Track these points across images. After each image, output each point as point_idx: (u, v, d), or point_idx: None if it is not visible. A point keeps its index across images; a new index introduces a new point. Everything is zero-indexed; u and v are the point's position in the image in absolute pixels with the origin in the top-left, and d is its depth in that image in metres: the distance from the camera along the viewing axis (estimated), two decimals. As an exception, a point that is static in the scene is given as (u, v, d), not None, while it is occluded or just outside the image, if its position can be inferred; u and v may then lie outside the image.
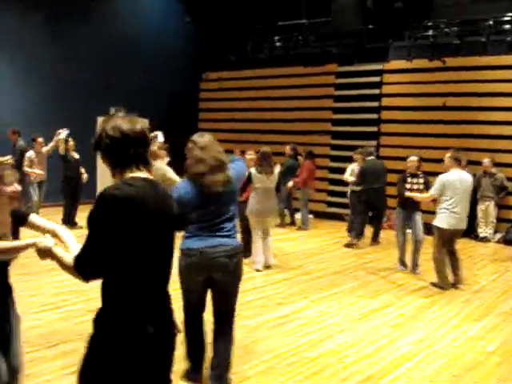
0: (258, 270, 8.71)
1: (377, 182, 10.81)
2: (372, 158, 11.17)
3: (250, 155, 9.59)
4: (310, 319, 6.51)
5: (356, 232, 11.03)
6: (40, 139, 11.46)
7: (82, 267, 2.50)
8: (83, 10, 14.33)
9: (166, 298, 2.73)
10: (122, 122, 2.58)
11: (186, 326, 4.60)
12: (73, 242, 3.01)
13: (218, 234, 4.35)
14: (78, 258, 2.51)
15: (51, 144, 11.34)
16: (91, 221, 2.46)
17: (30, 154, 11.18)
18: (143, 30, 15.54)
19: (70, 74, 14.21)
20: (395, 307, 7.10)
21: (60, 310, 6.43)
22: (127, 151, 2.56)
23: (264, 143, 12.93)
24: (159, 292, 2.67)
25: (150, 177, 2.63)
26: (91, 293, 6.25)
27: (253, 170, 8.80)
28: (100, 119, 15.19)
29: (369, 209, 11.15)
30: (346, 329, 6.21)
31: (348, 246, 10.88)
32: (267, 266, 8.92)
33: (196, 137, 4.44)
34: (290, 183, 12.26)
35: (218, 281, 4.35)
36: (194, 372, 4.67)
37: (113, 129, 2.55)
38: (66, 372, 4.70)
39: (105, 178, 13.49)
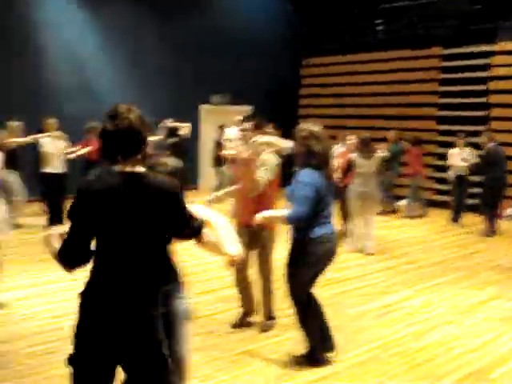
0: (350, 251, 8.87)
1: (499, 169, 10.44)
2: (493, 144, 10.67)
3: (351, 140, 9.61)
4: (415, 309, 6.40)
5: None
6: None
7: (61, 259, 2.74)
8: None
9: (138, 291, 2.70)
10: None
11: (308, 311, 4.72)
12: None
13: (330, 220, 4.67)
14: (59, 251, 2.74)
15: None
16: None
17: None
18: (245, 18, 15.65)
19: (174, 62, 14.57)
20: (504, 300, 6.84)
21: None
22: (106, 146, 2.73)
23: (366, 129, 12.81)
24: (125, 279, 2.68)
25: (138, 170, 2.69)
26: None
27: (354, 155, 8.99)
28: (203, 107, 15.63)
29: (492, 197, 10.65)
30: (452, 321, 6.06)
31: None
32: (367, 253, 8.92)
33: (311, 126, 4.57)
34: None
35: (328, 265, 4.68)
36: (319, 354, 4.80)
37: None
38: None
39: (205, 167, 13.92)
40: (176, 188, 2.76)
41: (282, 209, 4.73)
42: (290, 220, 4.42)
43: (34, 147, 9.97)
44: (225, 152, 10.49)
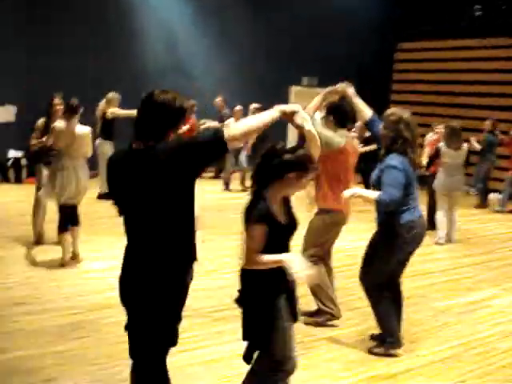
0: (438, 244, 8.70)
1: None
2: None
3: (439, 129, 9.40)
4: (502, 308, 6.17)
5: None
6: (238, 107, 12.03)
7: None
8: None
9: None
10: None
11: (382, 299, 4.67)
12: None
13: (417, 204, 4.59)
14: None
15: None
16: None
17: (230, 121, 11.64)
18: (337, 1, 15.39)
19: (264, 42, 14.56)
20: None
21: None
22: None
23: (459, 118, 12.38)
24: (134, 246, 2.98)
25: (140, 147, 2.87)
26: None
27: (441, 145, 8.81)
28: (293, 88, 15.58)
29: None
30: (542, 323, 5.80)
31: None
32: (448, 240, 8.83)
33: (401, 112, 4.54)
34: None
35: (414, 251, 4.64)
36: (396, 341, 4.74)
37: None
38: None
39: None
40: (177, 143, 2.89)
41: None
42: (381, 202, 4.36)
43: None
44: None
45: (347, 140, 5.13)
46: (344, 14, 15.33)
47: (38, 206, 7.42)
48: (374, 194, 4.42)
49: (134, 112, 9.04)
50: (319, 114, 5.26)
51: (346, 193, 4.43)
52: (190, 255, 3.00)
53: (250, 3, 14.38)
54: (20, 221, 8.22)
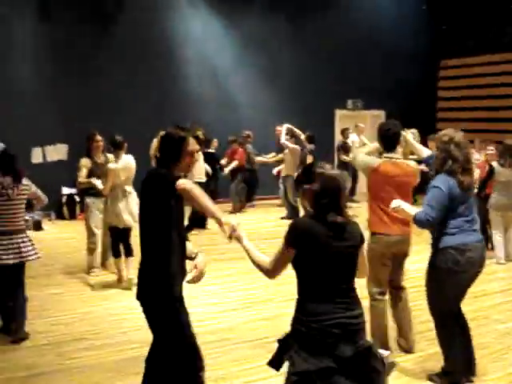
0: (499, 263, 8.51)
1: None
2: None
3: (491, 150, 9.25)
4: None
5: None
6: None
7: None
8: (323, 4, 14.62)
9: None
10: None
11: (449, 327, 4.52)
12: None
13: (474, 228, 4.45)
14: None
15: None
16: None
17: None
18: (377, 20, 15.39)
19: (308, 69, 14.63)
20: None
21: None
22: None
23: (509, 133, 12.11)
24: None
25: None
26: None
27: (495, 164, 8.66)
28: (338, 112, 15.56)
29: None
30: None
31: None
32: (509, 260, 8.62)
33: (453, 132, 4.49)
34: None
35: (476, 276, 4.47)
36: (458, 377, 4.51)
37: None
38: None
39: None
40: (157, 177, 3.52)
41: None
42: (416, 219, 4.27)
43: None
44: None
45: (388, 161, 4.93)
46: (386, 34, 15.34)
47: (92, 236, 7.74)
48: (413, 211, 4.36)
49: None
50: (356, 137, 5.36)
51: (392, 203, 4.40)
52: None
53: (292, 31, 14.52)
54: (76, 257, 8.40)
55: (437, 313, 4.52)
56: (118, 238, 7.28)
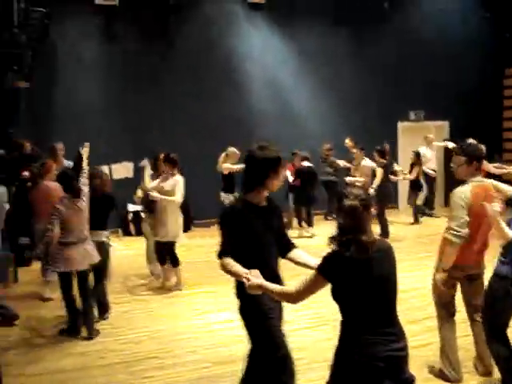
0: None
1: None
2: None
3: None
4: None
5: None
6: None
7: None
8: (384, 16, 14.48)
9: None
10: None
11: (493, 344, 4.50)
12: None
13: None
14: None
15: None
16: None
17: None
18: (440, 30, 15.10)
19: (368, 80, 14.50)
20: None
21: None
22: None
23: None
24: None
25: None
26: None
27: None
28: (400, 124, 15.33)
29: None
30: None
31: None
32: None
33: None
34: None
35: None
36: None
37: None
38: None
39: (404, 186, 13.60)
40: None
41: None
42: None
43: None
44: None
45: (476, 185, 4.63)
46: (449, 43, 15.06)
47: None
48: (509, 233, 4.24)
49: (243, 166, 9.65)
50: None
51: (494, 206, 4.24)
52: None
53: (352, 43, 14.42)
54: (143, 274, 8.54)
55: (492, 333, 4.50)
56: (163, 250, 7.90)
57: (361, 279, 2.99)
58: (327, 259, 3.07)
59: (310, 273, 3.18)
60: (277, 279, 3.68)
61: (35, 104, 11.75)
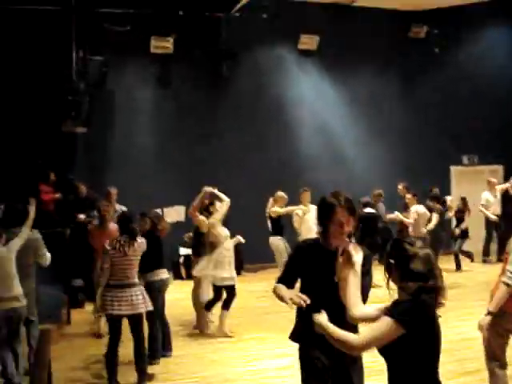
0: None
1: None
2: None
3: None
4: None
5: None
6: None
7: None
8: (434, 60, 14.44)
9: None
10: None
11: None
12: None
13: None
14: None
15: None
16: None
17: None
18: (492, 73, 14.91)
19: (419, 123, 14.43)
20: None
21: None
22: None
23: None
24: None
25: None
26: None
27: None
28: (453, 168, 15.09)
29: None
30: None
31: None
32: None
33: None
34: None
35: None
36: None
37: None
38: None
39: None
40: None
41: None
42: None
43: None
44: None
45: None
46: (501, 86, 14.87)
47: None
48: None
49: (293, 209, 9.86)
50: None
51: None
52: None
53: (402, 87, 14.46)
54: (193, 318, 8.52)
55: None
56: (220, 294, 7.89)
57: (435, 327, 2.92)
58: (405, 307, 2.92)
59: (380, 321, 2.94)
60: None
61: (92, 149, 12.15)
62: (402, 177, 12.85)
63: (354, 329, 3.40)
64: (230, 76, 12.95)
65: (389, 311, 2.92)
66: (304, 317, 3.58)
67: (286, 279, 3.74)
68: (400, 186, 12.50)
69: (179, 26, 12.28)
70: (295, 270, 3.74)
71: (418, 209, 10.99)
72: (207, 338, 7.83)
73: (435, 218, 10.81)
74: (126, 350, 6.35)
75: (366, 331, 2.97)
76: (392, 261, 2.99)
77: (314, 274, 3.63)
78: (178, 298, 10.33)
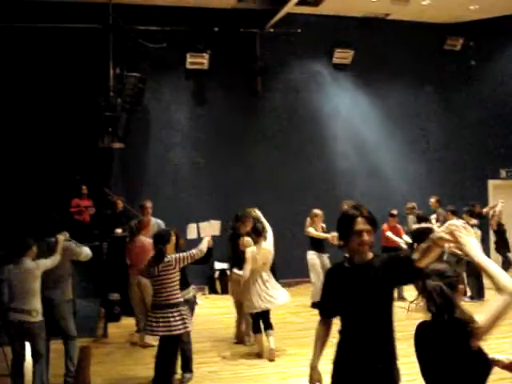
0: None
1: None
2: None
3: None
4: None
5: None
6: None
7: None
8: (473, 73, 14.29)
9: None
10: None
11: None
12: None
13: None
14: None
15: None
16: None
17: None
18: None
19: (456, 137, 14.24)
20: None
21: None
22: None
23: None
24: None
25: None
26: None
27: None
28: (491, 182, 14.85)
29: None
30: None
31: None
32: None
33: None
34: None
35: None
36: None
37: None
38: None
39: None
40: None
41: None
42: None
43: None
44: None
45: None
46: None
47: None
48: None
49: (325, 236, 9.50)
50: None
51: None
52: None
53: (438, 100, 14.30)
54: (229, 333, 8.51)
55: None
56: (258, 317, 7.56)
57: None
58: None
59: None
60: (374, 355, 3.44)
61: (128, 164, 12.29)
62: (437, 191, 12.72)
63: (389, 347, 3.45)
64: (264, 91, 13.00)
65: None
66: (341, 343, 3.58)
67: (325, 309, 3.76)
68: (432, 200, 12.36)
69: (214, 42, 12.41)
70: (329, 296, 3.70)
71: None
72: (243, 353, 7.79)
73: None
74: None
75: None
76: None
77: (343, 295, 3.56)
78: (214, 313, 10.37)
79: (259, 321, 7.53)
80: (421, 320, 3.01)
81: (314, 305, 9.93)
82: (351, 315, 3.54)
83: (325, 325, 3.73)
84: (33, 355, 5.89)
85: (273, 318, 7.95)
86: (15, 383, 5.80)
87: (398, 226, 11.25)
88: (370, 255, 3.51)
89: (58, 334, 6.44)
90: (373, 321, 3.44)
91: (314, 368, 3.69)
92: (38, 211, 6.90)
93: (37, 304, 5.81)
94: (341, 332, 3.58)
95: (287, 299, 7.78)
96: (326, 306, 3.75)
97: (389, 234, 10.84)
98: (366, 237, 3.45)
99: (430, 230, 10.91)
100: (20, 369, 5.87)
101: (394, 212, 11.30)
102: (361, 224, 3.47)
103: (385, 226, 10.91)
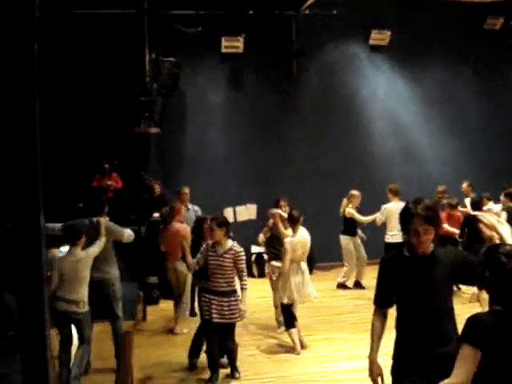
0: None
1: None
2: None
3: None
4: None
5: None
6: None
7: None
8: (507, 54, 13.92)
9: None
10: None
11: None
12: None
13: None
14: None
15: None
16: None
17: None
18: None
19: (495, 124, 13.91)
20: None
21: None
22: None
23: None
24: None
25: None
26: None
27: None
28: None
29: None
30: None
31: None
32: None
33: None
34: None
35: None
36: None
37: None
38: None
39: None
40: None
41: None
42: None
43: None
44: None
45: None
46: None
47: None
48: None
49: (365, 219, 9.38)
50: None
51: None
52: None
53: (477, 82, 13.93)
54: (266, 317, 8.55)
55: None
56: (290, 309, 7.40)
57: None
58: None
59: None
60: (436, 343, 3.44)
61: (165, 149, 12.38)
62: (477, 175, 12.47)
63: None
64: (299, 74, 12.91)
65: None
66: (400, 336, 3.59)
67: (381, 299, 3.72)
68: (464, 185, 12.11)
69: (249, 25, 12.34)
70: (386, 286, 3.66)
71: (490, 208, 10.49)
72: (280, 337, 7.83)
73: (503, 216, 10.11)
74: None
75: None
76: (487, 273, 2.85)
77: (403, 286, 3.55)
78: (250, 296, 10.40)
79: (292, 314, 7.33)
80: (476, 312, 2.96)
81: (340, 285, 10.62)
82: (412, 305, 3.51)
83: (381, 316, 3.71)
84: (79, 339, 6.06)
85: (307, 303, 7.92)
86: (62, 360, 5.99)
87: (456, 212, 10.59)
88: (431, 246, 3.51)
89: (105, 316, 6.61)
90: (435, 311, 3.45)
91: (373, 362, 3.63)
92: (87, 193, 7.08)
93: (84, 294, 5.95)
94: (398, 326, 3.58)
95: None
96: (382, 297, 3.71)
97: (445, 226, 10.28)
98: (423, 237, 3.42)
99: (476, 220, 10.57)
100: (68, 347, 6.09)
101: (452, 202, 10.69)
102: (417, 224, 3.42)
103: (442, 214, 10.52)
